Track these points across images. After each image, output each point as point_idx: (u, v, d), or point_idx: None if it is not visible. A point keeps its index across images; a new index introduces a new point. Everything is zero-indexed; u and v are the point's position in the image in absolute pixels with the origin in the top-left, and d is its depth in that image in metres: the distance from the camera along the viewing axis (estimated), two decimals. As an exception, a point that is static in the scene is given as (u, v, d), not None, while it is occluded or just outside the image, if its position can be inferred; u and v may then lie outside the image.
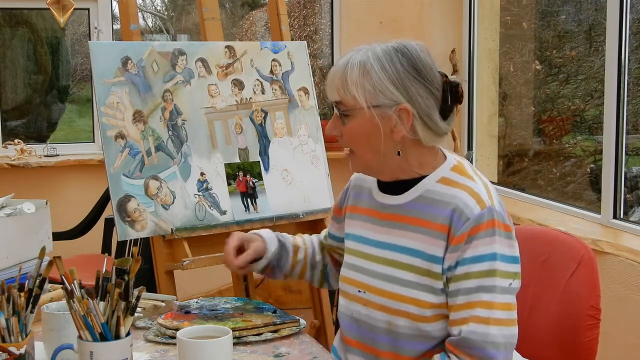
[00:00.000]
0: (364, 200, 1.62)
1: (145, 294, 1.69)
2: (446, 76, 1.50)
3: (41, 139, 4.89)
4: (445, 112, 1.49)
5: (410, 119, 1.46)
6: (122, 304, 1.26)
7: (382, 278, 1.51)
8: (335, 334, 1.73)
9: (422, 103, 1.46)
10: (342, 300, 1.61)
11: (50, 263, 1.33)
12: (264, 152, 2.30)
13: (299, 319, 1.70)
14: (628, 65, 2.90)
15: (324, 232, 1.82)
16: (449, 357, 1.43)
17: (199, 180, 2.17)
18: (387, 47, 1.48)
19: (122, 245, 3.26)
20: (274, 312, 1.72)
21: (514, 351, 1.49)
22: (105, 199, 3.67)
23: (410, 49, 1.48)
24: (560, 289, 1.71)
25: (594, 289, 1.69)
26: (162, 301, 1.81)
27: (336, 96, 1.49)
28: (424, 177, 1.52)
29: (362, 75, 1.45)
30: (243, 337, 1.59)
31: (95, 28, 4.28)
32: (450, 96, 1.49)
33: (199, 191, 2.16)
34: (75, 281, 1.27)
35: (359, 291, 1.55)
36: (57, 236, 2.59)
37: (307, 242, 1.81)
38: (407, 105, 1.45)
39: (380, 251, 1.54)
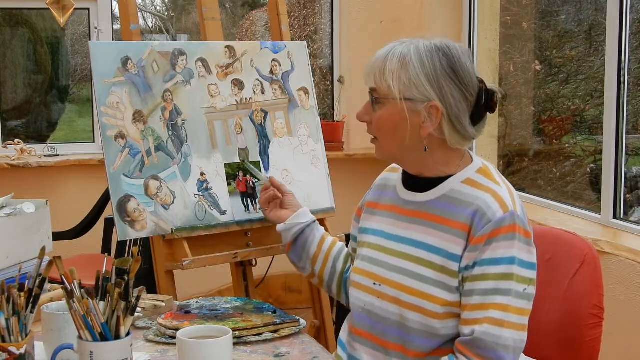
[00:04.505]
0: (388, 197, 1.64)
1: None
2: (484, 83, 1.51)
3: (41, 139, 4.88)
4: (476, 118, 1.51)
5: (439, 118, 1.47)
6: (122, 304, 1.26)
7: (399, 271, 1.53)
8: (335, 333, 1.73)
9: (453, 104, 1.47)
10: (354, 292, 1.63)
11: (50, 263, 1.33)
12: (264, 152, 2.30)
13: (299, 319, 1.70)
14: (628, 65, 2.89)
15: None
16: (457, 357, 1.43)
17: (199, 180, 2.17)
18: (430, 44, 1.49)
19: (122, 245, 3.26)
20: (274, 312, 1.72)
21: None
22: (105, 199, 3.67)
23: (453, 50, 1.49)
24: (563, 288, 1.71)
25: (597, 288, 1.69)
26: (162, 301, 1.81)
27: (372, 83, 1.52)
28: (448, 176, 1.53)
29: (400, 67, 1.47)
30: (243, 337, 1.59)
31: (95, 28, 4.28)
32: (485, 103, 1.50)
33: (199, 191, 2.16)
34: (75, 281, 1.27)
35: (374, 283, 1.57)
36: (57, 236, 2.59)
37: (336, 242, 1.89)
38: (438, 103, 1.46)
39: (399, 245, 1.55)
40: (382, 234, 1.61)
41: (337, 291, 1.83)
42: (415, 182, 1.58)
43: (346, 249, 1.86)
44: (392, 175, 1.67)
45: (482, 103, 1.50)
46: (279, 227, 1.90)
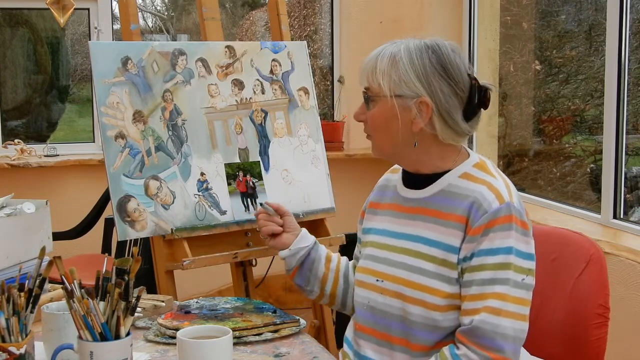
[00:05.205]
0: (388, 197, 1.67)
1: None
2: (476, 79, 1.54)
3: (41, 139, 4.88)
4: (469, 114, 1.53)
5: (429, 113, 1.50)
6: (122, 304, 1.26)
7: (400, 267, 1.55)
8: (335, 333, 1.74)
9: (443, 99, 1.50)
10: (358, 290, 1.64)
11: (50, 263, 1.33)
12: (264, 152, 2.30)
13: (299, 319, 1.70)
14: (628, 65, 2.89)
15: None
16: (457, 347, 1.45)
17: (199, 180, 2.17)
18: (420, 43, 1.53)
19: (122, 245, 3.26)
20: (274, 312, 1.72)
21: (522, 349, 1.50)
22: (105, 199, 3.67)
23: (442, 47, 1.53)
24: (569, 288, 1.71)
25: (602, 287, 1.69)
26: (162, 301, 1.81)
27: (365, 82, 1.57)
28: (446, 172, 1.55)
29: (390, 66, 1.52)
30: (243, 337, 1.59)
31: (95, 28, 4.28)
32: (477, 99, 1.53)
33: (199, 191, 2.16)
34: (75, 281, 1.27)
35: (377, 280, 1.59)
36: (57, 236, 2.59)
37: (340, 257, 1.84)
38: (428, 99, 1.50)
39: (399, 242, 1.57)
40: (384, 232, 1.63)
41: (353, 306, 1.77)
42: (414, 180, 1.60)
43: (350, 262, 1.84)
44: (393, 175, 1.70)
45: (475, 99, 1.52)
46: (283, 253, 1.82)
